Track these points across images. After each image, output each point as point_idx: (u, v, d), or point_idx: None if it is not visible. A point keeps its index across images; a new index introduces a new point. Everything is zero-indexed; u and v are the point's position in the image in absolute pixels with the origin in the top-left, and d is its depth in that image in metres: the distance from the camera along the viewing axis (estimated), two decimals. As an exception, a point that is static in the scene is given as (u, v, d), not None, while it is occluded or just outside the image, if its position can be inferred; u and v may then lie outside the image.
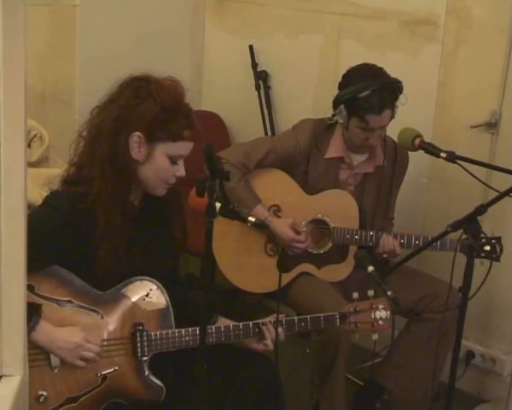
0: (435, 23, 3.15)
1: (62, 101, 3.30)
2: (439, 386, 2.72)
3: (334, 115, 2.72)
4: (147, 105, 1.94)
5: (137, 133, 1.95)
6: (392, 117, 2.66)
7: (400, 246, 2.73)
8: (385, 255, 2.72)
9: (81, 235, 1.96)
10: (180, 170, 2.02)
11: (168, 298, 2.04)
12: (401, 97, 2.65)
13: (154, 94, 1.95)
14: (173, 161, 2.00)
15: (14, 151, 1.39)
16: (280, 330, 2.13)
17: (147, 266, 2.04)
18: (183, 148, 2.00)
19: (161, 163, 1.99)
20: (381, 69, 2.66)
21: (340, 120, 2.69)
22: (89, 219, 1.95)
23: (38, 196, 2.19)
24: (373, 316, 2.20)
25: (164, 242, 2.15)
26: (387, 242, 2.72)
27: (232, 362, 2.16)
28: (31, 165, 2.47)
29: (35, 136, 2.56)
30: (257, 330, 2.12)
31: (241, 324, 2.12)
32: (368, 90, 2.57)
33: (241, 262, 2.83)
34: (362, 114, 2.60)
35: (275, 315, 2.11)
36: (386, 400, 2.98)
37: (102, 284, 2.00)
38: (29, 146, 2.52)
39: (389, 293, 2.12)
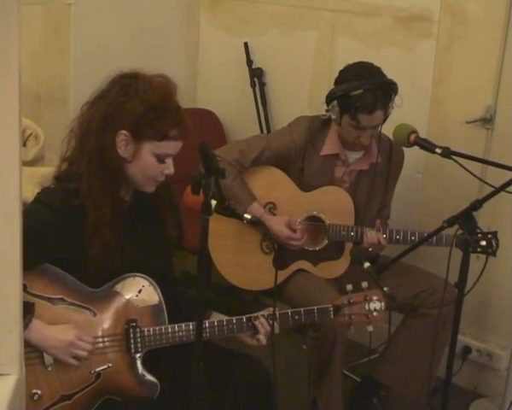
0: (430, 19, 3.15)
1: (57, 99, 3.29)
2: (436, 381, 2.73)
3: (327, 111, 2.72)
4: (133, 103, 1.93)
5: (124, 132, 1.93)
6: (385, 118, 2.66)
7: (396, 242, 2.74)
8: (370, 249, 2.71)
9: (73, 232, 1.95)
10: (168, 168, 2.01)
11: (161, 294, 2.04)
12: (396, 99, 2.64)
13: (141, 92, 1.93)
14: (160, 159, 1.98)
15: (9, 150, 1.39)
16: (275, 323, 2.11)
17: (139, 263, 2.04)
18: (170, 147, 1.98)
19: (148, 162, 1.97)
20: (377, 69, 2.65)
21: (333, 116, 2.69)
22: (80, 215, 1.94)
23: (34, 195, 2.18)
24: (367, 307, 2.20)
25: (157, 238, 2.13)
26: (371, 236, 2.72)
27: (223, 366, 2.15)
28: (26, 164, 2.47)
29: (30, 135, 2.56)
30: (250, 324, 2.11)
31: (234, 318, 2.11)
32: (361, 89, 2.56)
33: (237, 260, 2.84)
34: (353, 113, 2.59)
35: (268, 309, 2.12)
36: (383, 396, 2.99)
37: (95, 281, 2.00)
38: (24, 145, 2.52)
39: (385, 289, 2.12)
